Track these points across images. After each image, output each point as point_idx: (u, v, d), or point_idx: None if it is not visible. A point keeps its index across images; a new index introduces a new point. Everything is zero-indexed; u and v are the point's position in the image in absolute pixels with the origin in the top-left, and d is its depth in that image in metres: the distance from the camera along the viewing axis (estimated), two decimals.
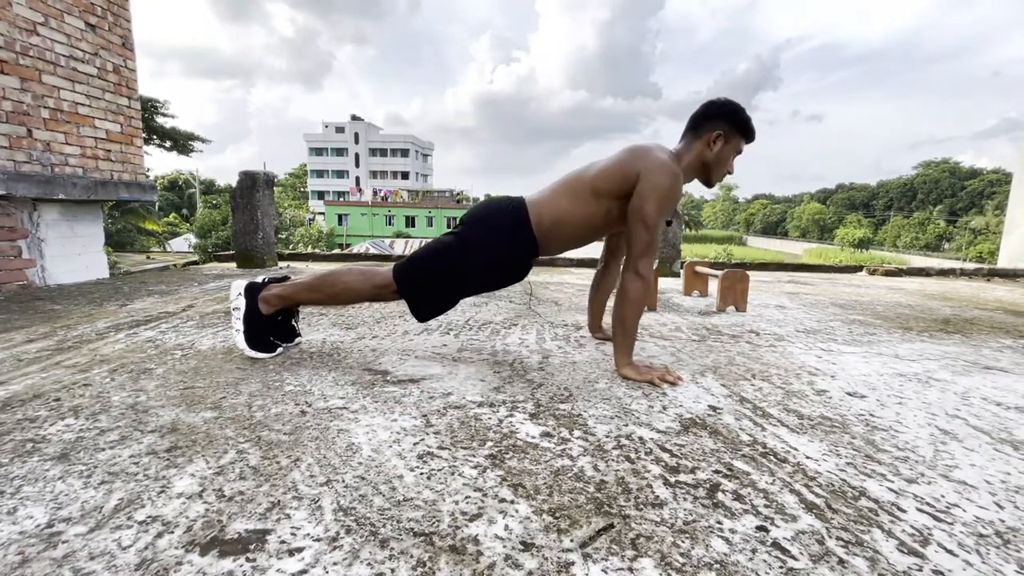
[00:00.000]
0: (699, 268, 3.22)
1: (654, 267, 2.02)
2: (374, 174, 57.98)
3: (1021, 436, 1.19)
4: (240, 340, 1.61)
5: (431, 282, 1.57)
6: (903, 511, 0.87)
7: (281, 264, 4.75)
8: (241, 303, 1.61)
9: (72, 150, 3.28)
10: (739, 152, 1.59)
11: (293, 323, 1.77)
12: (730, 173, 1.61)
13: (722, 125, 1.52)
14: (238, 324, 1.61)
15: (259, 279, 1.67)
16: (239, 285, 1.63)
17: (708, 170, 1.57)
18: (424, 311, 1.60)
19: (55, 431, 1.09)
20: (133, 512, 0.81)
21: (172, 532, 0.76)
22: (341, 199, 48.60)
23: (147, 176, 4.01)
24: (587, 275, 4.27)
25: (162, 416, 1.18)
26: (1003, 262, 5.46)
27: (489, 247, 1.56)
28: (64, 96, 3.21)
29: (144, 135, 3.99)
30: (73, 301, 2.62)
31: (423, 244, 1.69)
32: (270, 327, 1.68)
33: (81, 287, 3.13)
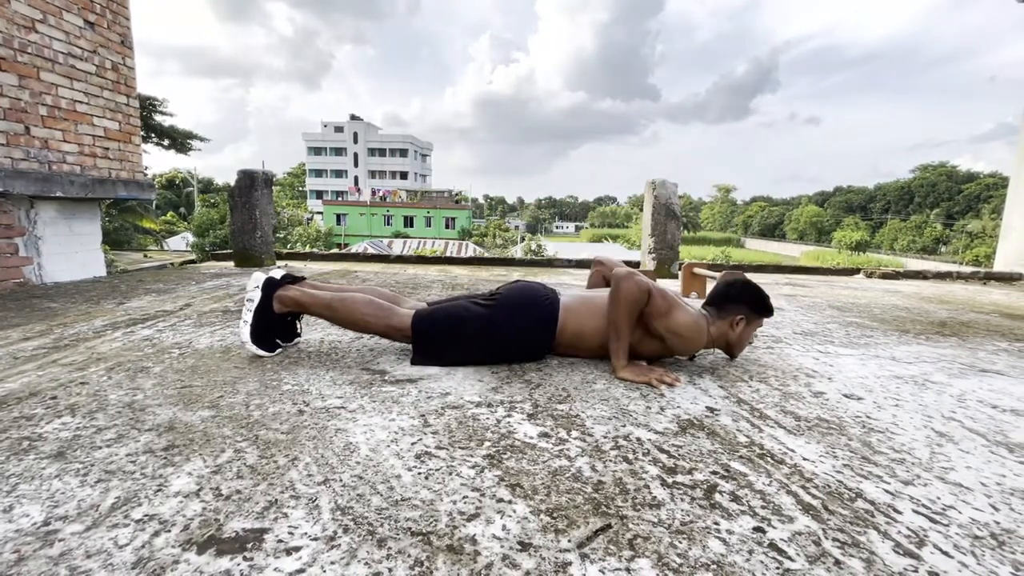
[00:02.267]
0: (697, 269, 3.23)
1: (652, 268, 2.03)
2: (373, 174, 57.93)
3: (1016, 439, 1.20)
4: (245, 332, 1.60)
5: (452, 342, 1.59)
6: (899, 513, 0.87)
7: (279, 263, 4.74)
8: (256, 296, 1.62)
9: (70, 148, 3.27)
10: (760, 326, 1.70)
11: (296, 321, 1.77)
12: (750, 344, 1.74)
13: (744, 310, 1.61)
14: (248, 316, 1.61)
15: (277, 276, 1.68)
16: (258, 278, 1.64)
17: (731, 346, 1.66)
18: (427, 360, 1.61)
19: (51, 429, 1.09)
20: (130, 511, 0.80)
21: (169, 531, 0.76)
22: (339, 199, 48.55)
23: (145, 174, 4.00)
24: (584, 275, 4.27)
25: (159, 415, 1.17)
26: (999, 265, 5.48)
27: (515, 333, 1.61)
28: (62, 93, 3.20)
29: (142, 133, 3.98)
30: (70, 299, 2.61)
31: (449, 302, 1.70)
32: (278, 326, 1.68)
33: (78, 285, 3.12)
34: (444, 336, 1.58)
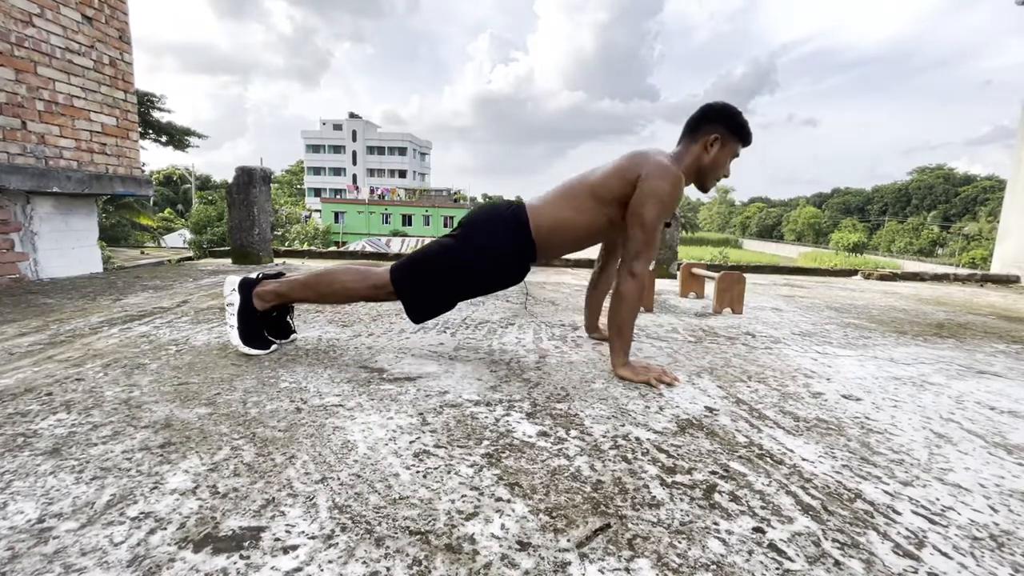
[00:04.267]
0: (695, 270, 3.23)
1: (651, 268, 2.02)
2: (371, 172, 57.84)
3: (1015, 440, 1.20)
4: (234, 336, 1.59)
5: (428, 284, 1.56)
6: (898, 513, 0.87)
7: (277, 261, 4.73)
8: (235, 299, 1.60)
9: (67, 143, 3.25)
10: (736, 155, 1.59)
11: (288, 319, 1.76)
12: (726, 176, 1.62)
13: (719, 128, 1.53)
14: (232, 320, 1.60)
15: (253, 275, 1.66)
16: (232, 281, 1.62)
17: (704, 174, 1.57)
18: (420, 313, 1.60)
19: (47, 426, 1.08)
20: (125, 508, 0.80)
21: (165, 529, 0.75)
22: (338, 196, 48.48)
23: (142, 171, 3.98)
24: (584, 275, 4.27)
25: (156, 412, 1.16)
26: (996, 268, 5.50)
27: (488, 250, 1.55)
28: (59, 89, 3.18)
29: (140, 129, 3.96)
30: (66, 295, 2.60)
31: (421, 244, 1.68)
32: (264, 323, 1.66)
33: (74, 281, 3.11)
34: (423, 280, 1.55)
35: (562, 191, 1.60)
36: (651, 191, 1.45)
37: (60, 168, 3.17)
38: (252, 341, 1.62)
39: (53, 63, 3.13)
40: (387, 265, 1.61)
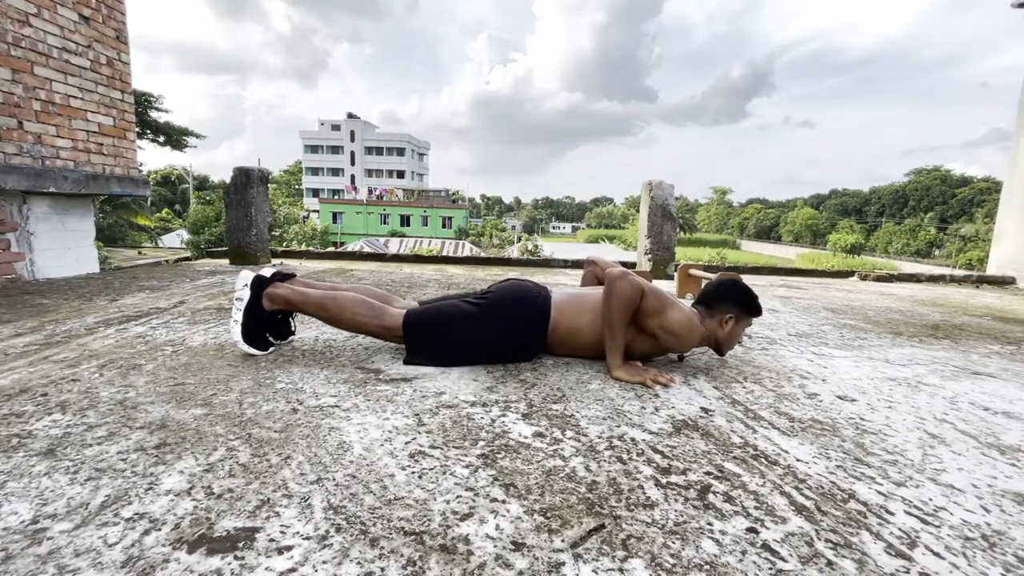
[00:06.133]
0: (693, 271, 3.24)
1: (648, 269, 2.03)
2: (370, 172, 57.78)
3: (1008, 440, 1.20)
4: (236, 332, 1.59)
5: (440, 342, 1.58)
6: (891, 514, 0.87)
7: (275, 261, 4.72)
8: (245, 294, 1.60)
9: (64, 143, 3.25)
10: (749, 325, 1.70)
11: (290, 319, 1.76)
12: (740, 344, 1.72)
13: (733, 309, 1.61)
14: (238, 315, 1.60)
15: (267, 273, 1.66)
16: (246, 276, 1.62)
17: (720, 344, 1.65)
18: (419, 360, 1.59)
19: (42, 426, 1.08)
20: (120, 509, 0.80)
21: (159, 529, 0.75)
22: (336, 197, 48.41)
23: (140, 171, 3.98)
24: (579, 276, 4.27)
25: (151, 412, 1.16)
26: (992, 269, 5.52)
27: (507, 332, 1.60)
28: (56, 88, 3.18)
29: (137, 129, 3.95)
30: (62, 296, 2.59)
31: (441, 301, 1.69)
32: (268, 324, 1.67)
33: (71, 282, 3.10)
34: (436, 336, 1.58)
35: (588, 299, 1.65)
36: (670, 333, 1.55)
37: (57, 168, 3.16)
38: (253, 340, 1.62)
39: (50, 63, 3.13)
40: (401, 310, 1.62)
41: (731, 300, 1.62)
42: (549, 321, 1.62)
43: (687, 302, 1.71)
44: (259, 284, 1.62)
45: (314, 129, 59.32)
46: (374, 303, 1.62)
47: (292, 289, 1.64)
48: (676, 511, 0.85)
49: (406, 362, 1.59)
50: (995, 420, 1.34)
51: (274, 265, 4.42)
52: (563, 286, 1.80)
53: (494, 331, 1.59)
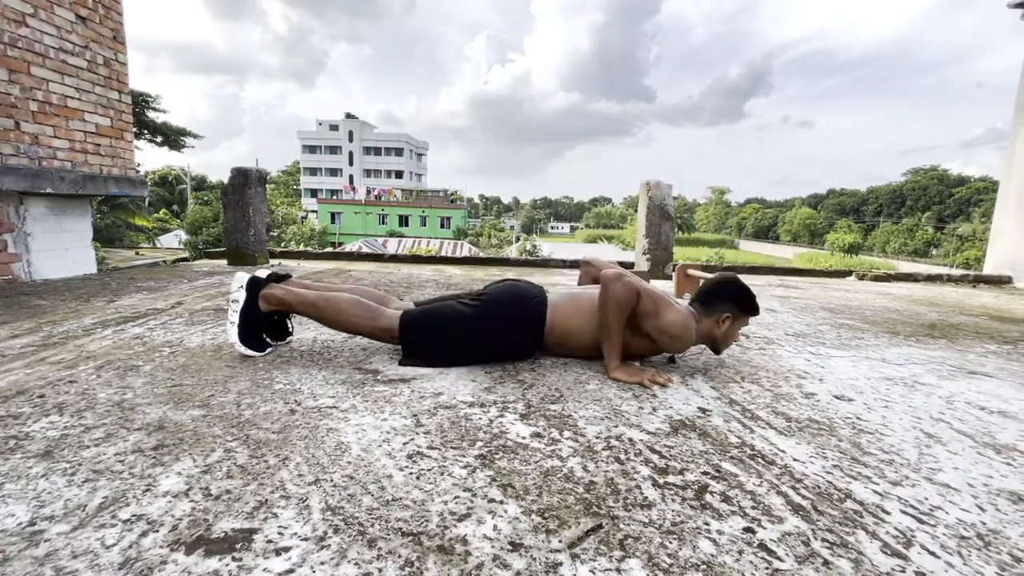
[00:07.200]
0: (691, 271, 3.24)
1: (646, 270, 2.03)
2: (368, 172, 57.71)
3: (1004, 440, 1.21)
4: (233, 334, 1.59)
5: (436, 343, 1.58)
6: (887, 513, 0.88)
7: (273, 262, 4.72)
8: (241, 296, 1.60)
9: (61, 144, 3.24)
10: (746, 324, 1.70)
11: (287, 320, 1.76)
12: (736, 343, 1.74)
13: (731, 308, 1.61)
14: (234, 317, 1.60)
15: (262, 275, 1.66)
16: (241, 278, 1.62)
17: (716, 343, 1.66)
18: (414, 360, 1.59)
19: (39, 428, 1.08)
20: (117, 511, 0.80)
21: (157, 531, 0.75)
22: (334, 197, 48.35)
23: (137, 171, 3.97)
24: (577, 276, 4.27)
25: (149, 414, 1.16)
26: (989, 269, 5.53)
27: (502, 332, 1.60)
28: (53, 89, 3.17)
29: (135, 130, 3.94)
30: (60, 296, 2.58)
31: (437, 302, 1.69)
32: (265, 325, 1.67)
33: (68, 282, 3.09)
34: (431, 337, 1.58)
35: (584, 301, 1.64)
36: (666, 334, 1.55)
37: (54, 169, 3.16)
38: (250, 341, 1.61)
39: (47, 63, 3.12)
40: (396, 312, 1.61)
41: (728, 299, 1.62)
42: (545, 321, 1.62)
43: (684, 302, 1.71)
44: (255, 285, 1.62)
45: (312, 129, 59.24)
46: (369, 304, 1.62)
47: (287, 290, 1.64)
48: (673, 511, 0.86)
49: (402, 363, 1.59)
50: (991, 419, 1.34)
51: (271, 266, 4.41)
52: (560, 286, 1.80)
53: (489, 331, 1.59)
